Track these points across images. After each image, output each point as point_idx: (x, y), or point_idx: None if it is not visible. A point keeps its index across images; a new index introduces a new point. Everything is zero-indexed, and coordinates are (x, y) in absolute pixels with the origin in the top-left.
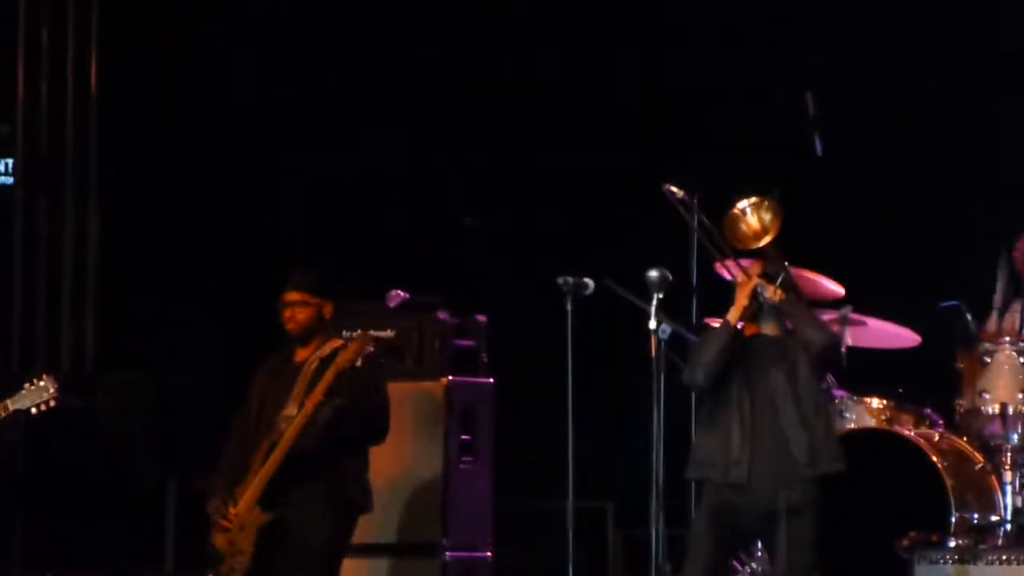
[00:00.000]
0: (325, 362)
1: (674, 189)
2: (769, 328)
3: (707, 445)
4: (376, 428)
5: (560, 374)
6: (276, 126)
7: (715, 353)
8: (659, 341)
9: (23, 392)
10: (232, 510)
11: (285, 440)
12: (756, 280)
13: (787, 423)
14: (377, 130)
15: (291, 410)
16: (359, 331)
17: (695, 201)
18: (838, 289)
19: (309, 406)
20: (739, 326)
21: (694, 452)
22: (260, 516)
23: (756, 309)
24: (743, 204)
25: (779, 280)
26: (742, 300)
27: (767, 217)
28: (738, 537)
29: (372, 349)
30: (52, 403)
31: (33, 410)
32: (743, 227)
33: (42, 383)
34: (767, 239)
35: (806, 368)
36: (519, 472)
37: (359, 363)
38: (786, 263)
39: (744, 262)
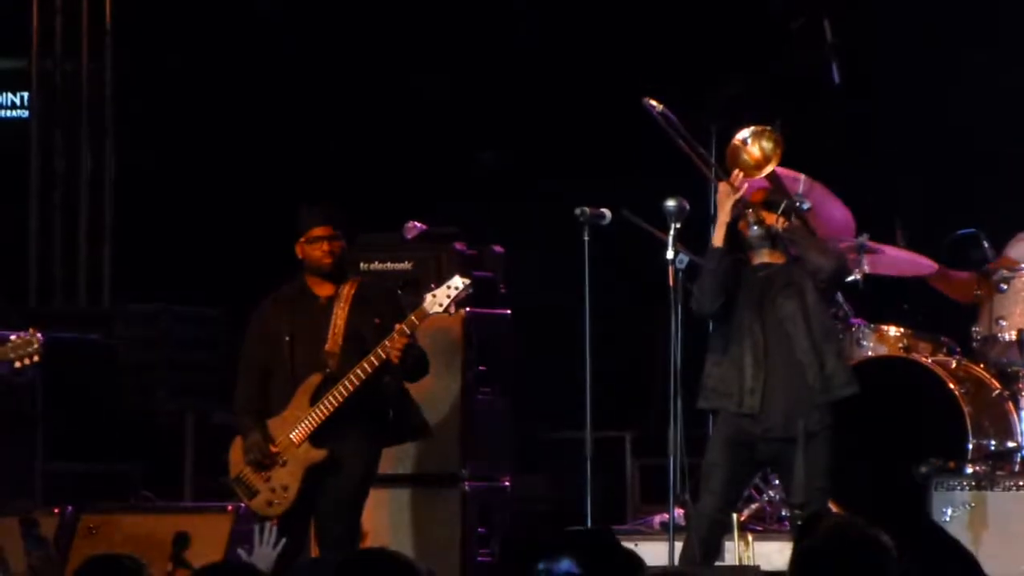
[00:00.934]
0: (358, 298)
1: (653, 102)
2: (775, 256)
3: (719, 374)
4: (423, 369)
5: (578, 305)
6: (290, 60)
7: (711, 277)
8: (676, 271)
9: (9, 344)
10: (273, 447)
11: (354, 377)
12: (735, 195)
13: (799, 349)
14: (392, 61)
15: (331, 346)
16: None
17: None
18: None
19: (395, 345)
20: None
21: (705, 381)
22: (312, 453)
23: (763, 237)
24: (743, 134)
25: (781, 207)
26: (723, 217)
27: (768, 146)
28: (753, 465)
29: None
30: (36, 357)
31: (16, 363)
32: (744, 157)
33: (27, 336)
34: (768, 168)
35: (814, 294)
36: (538, 402)
37: (446, 310)
38: (798, 192)
39: (749, 185)
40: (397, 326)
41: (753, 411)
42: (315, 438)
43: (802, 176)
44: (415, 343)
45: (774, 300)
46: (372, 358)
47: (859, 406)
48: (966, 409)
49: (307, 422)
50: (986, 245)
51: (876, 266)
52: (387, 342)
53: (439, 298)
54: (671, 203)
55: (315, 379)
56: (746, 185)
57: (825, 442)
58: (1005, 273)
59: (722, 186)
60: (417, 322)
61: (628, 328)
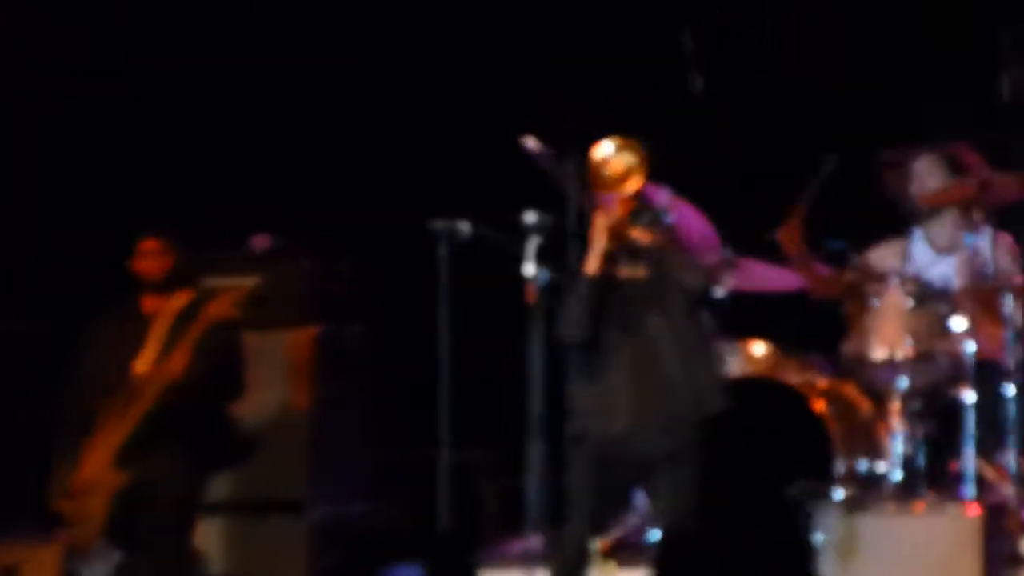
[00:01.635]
0: (183, 314)
1: (531, 143)
2: (639, 271)
3: (586, 396)
4: (234, 386)
5: (434, 321)
6: (119, 71)
7: (581, 305)
8: (536, 288)
9: None
10: (79, 475)
11: (148, 396)
12: (610, 219)
13: (669, 366)
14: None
15: (143, 364)
16: (223, 281)
17: (557, 152)
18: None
19: (177, 361)
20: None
21: (572, 404)
22: (116, 477)
23: (626, 251)
24: (605, 149)
25: (645, 220)
26: (597, 244)
27: (632, 160)
28: (622, 488)
29: (238, 301)
30: None
31: None
32: (608, 172)
33: None
34: (633, 183)
35: (682, 308)
36: (393, 422)
37: (228, 315)
38: (663, 203)
39: (613, 203)
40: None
41: (623, 432)
42: (123, 462)
43: (665, 190)
44: (202, 355)
45: (641, 316)
46: (165, 375)
47: (727, 427)
48: (835, 430)
49: (106, 446)
50: (854, 257)
51: (741, 282)
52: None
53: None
54: (530, 217)
55: (119, 400)
56: (614, 211)
57: (695, 462)
58: (876, 287)
59: (597, 213)
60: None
61: (488, 345)
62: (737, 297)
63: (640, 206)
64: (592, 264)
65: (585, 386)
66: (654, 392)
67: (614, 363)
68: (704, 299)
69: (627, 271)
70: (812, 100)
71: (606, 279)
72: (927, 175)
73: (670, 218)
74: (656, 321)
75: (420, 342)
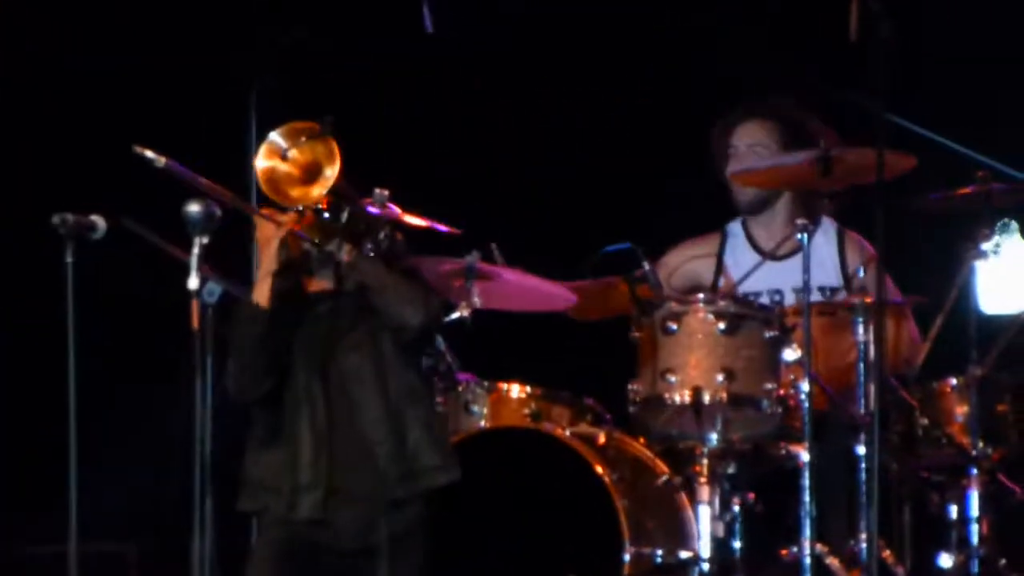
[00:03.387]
0: None
1: (149, 154)
2: (334, 282)
3: (265, 462)
4: None
5: (59, 358)
6: None
7: (255, 348)
8: (205, 306)
9: None
10: None
11: None
12: (284, 230)
13: (372, 422)
14: None
15: None
16: None
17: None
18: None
19: None
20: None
21: (247, 472)
22: None
23: (318, 260)
24: (274, 140)
25: (343, 220)
26: (267, 266)
27: (319, 152)
28: None
29: None
30: None
31: None
32: (286, 172)
33: None
34: (323, 183)
35: (392, 346)
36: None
37: None
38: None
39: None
40: None
41: (314, 513)
42: None
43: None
44: None
45: (338, 349)
46: None
47: (470, 498)
48: (620, 503)
49: None
50: (647, 266)
51: (492, 298)
52: None
53: None
54: (194, 208)
55: None
56: (289, 217)
57: (416, 550)
58: (674, 308)
59: (261, 224)
60: None
61: (135, 394)
62: (487, 319)
63: (338, 205)
64: (262, 293)
65: (264, 448)
66: (353, 458)
67: (304, 417)
68: (425, 337)
69: (325, 283)
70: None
71: (290, 301)
72: (751, 146)
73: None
74: (354, 358)
75: (44, 388)
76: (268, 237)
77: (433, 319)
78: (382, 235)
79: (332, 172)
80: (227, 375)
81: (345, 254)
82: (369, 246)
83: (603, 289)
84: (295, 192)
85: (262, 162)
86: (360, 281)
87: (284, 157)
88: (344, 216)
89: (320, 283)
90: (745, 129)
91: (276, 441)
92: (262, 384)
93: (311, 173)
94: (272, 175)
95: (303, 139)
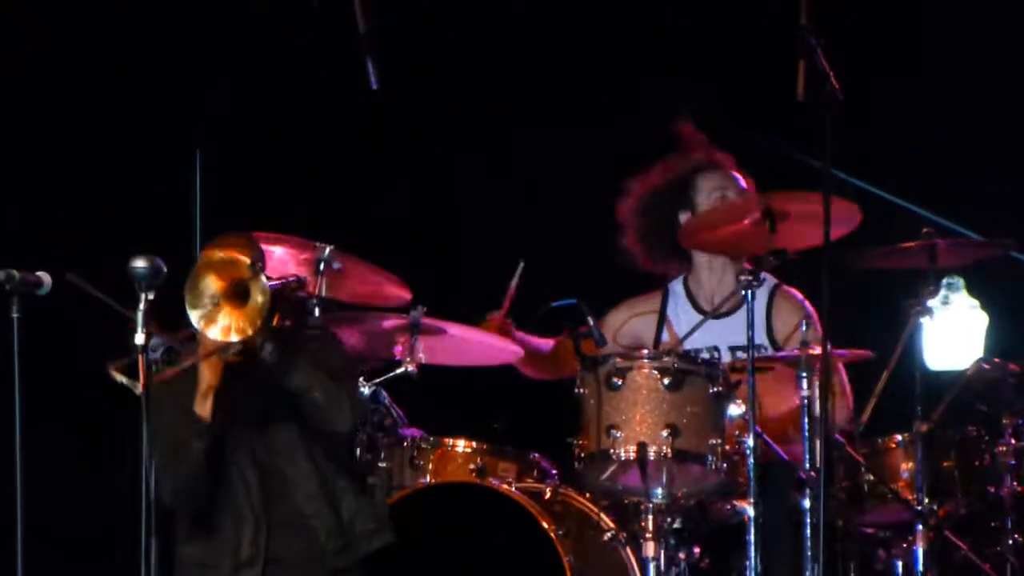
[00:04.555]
0: None
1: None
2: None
3: (202, 542)
4: None
5: (5, 414)
6: None
7: (197, 468)
8: (149, 364)
9: None
10: None
11: None
12: (219, 351)
13: (306, 496)
14: None
15: None
16: None
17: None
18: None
19: None
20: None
21: (181, 552)
22: None
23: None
24: (204, 281)
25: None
26: (210, 381)
27: (251, 283)
28: None
29: None
30: None
31: None
32: (214, 311)
33: None
34: (253, 324)
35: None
36: None
37: None
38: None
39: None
40: None
41: None
42: None
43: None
44: None
45: (267, 418)
46: None
47: (416, 555)
48: (566, 559)
49: None
50: (591, 321)
51: (436, 353)
52: None
53: None
54: (140, 264)
55: None
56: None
57: None
58: (619, 363)
59: (204, 340)
60: None
61: (78, 450)
62: (432, 374)
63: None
64: (204, 408)
65: (197, 531)
66: (290, 535)
67: (239, 494)
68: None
69: (242, 357)
70: None
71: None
72: (723, 192)
73: (336, 264)
74: (283, 431)
75: None
76: (211, 352)
77: (358, 420)
78: (291, 292)
79: (263, 301)
80: (164, 487)
81: (271, 356)
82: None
83: (557, 352)
84: (224, 318)
85: (192, 304)
86: (286, 385)
87: (215, 303)
88: (271, 319)
89: (242, 356)
90: (710, 177)
91: (212, 522)
92: (205, 495)
93: (240, 295)
94: (204, 315)
95: (232, 280)
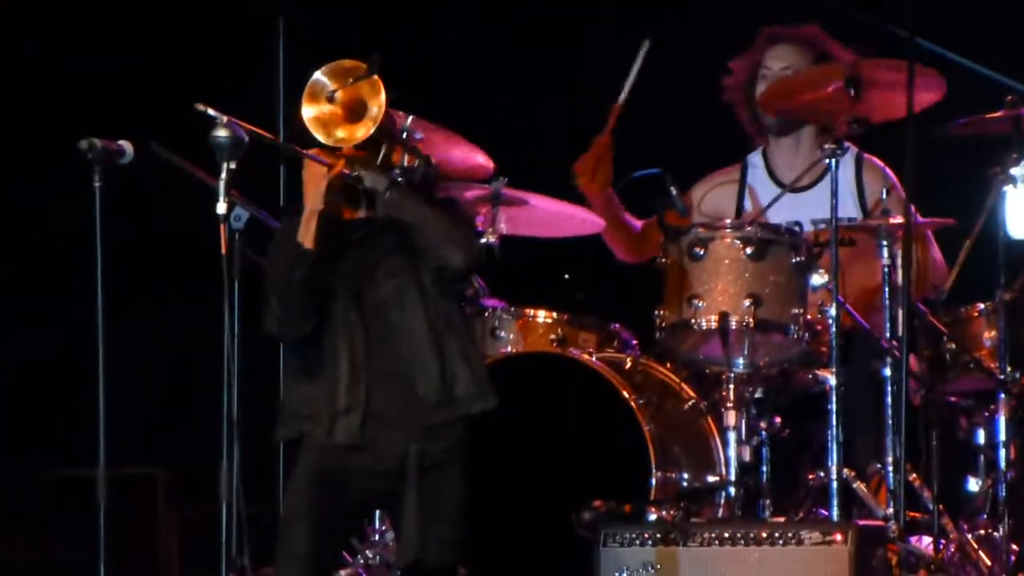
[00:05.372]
0: None
1: (210, 111)
2: (369, 210)
3: (303, 391)
4: None
5: (87, 284)
6: None
7: (300, 289)
8: (232, 232)
9: None
10: None
11: None
12: (331, 175)
13: (410, 348)
14: None
15: None
16: None
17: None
18: (484, 160)
19: None
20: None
21: (285, 402)
22: None
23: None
24: (320, 81)
25: (383, 154)
26: (313, 205)
27: (364, 90)
28: (353, 513)
29: None
30: None
31: None
32: (329, 113)
33: None
34: (368, 126)
35: (431, 274)
36: (31, 432)
37: None
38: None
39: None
40: None
41: (351, 438)
42: None
43: (406, 116)
44: None
45: (377, 275)
46: None
47: (498, 424)
48: (647, 428)
49: None
50: (673, 191)
51: (518, 224)
52: None
53: None
54: (221, 134)
55: None
56: (341, 163)
57: (451, 478)
58: (701, 233)
59: (309, 164)
60: None
61: (163, 319)
62: (513, 245)
63: (372, 139)
64: (307, 234)
65: (301, 377)
66: (391, 384)
67: (341, 344)
68: (468, 277)
69: (352, 213)
70: None
71: (330, 233)
72: (784, 69)
73: (418, 134)
74: (391, 284)
75: (61, 313)
76: (316, 177)
77: (475, 260)
78: (418, 165)
79: (377, 111)
80: (267, 314)
81: (385, 188)
82: (404, 178)
83: (645, 233)
84: (341, 131)
85: (309, 104)
86: (401, 218)
87: (331, 99)
88: (383, 150)
89: (355, 211)
90: (775, 52)
91: (314, 371)
92: (307, 323)
93: (356, 111)
94: (318, 117)
95: (350, 80)
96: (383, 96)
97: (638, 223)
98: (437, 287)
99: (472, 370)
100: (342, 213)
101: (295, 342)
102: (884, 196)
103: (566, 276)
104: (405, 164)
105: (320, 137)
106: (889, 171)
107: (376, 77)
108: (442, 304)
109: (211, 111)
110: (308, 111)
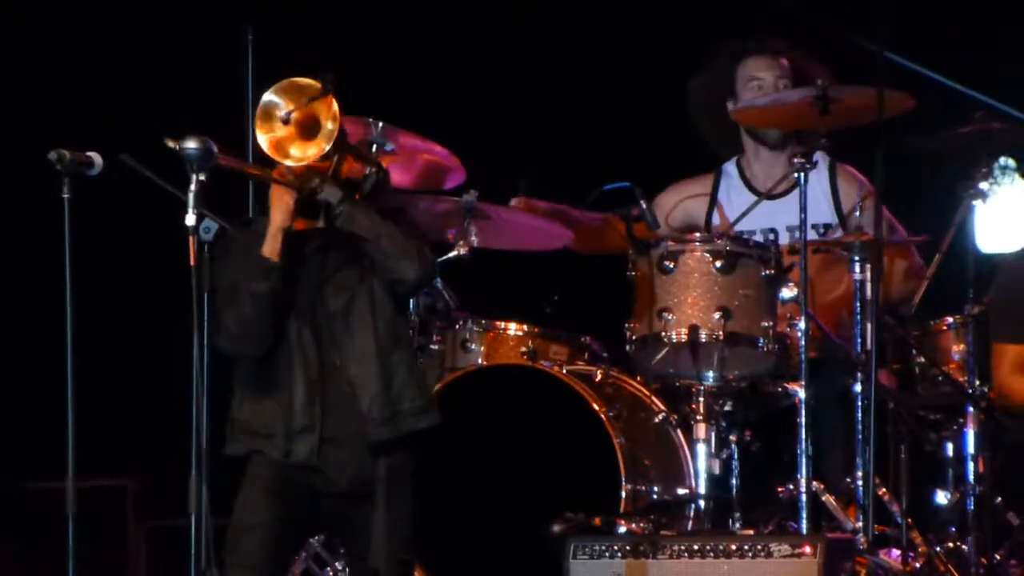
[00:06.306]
0: None
1: (172, 144)
2: (323, 221)
3: (254, 407)
4: None
5: (57, 294)
6: None
7: (259, 304)
8: (201, 244)
9: None
10: None
11: None
12: (292, 194)
13: (358, 364)
14: None
15: None
16: None
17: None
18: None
19: None
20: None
21: (235, 416)
22: None
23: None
24: (276, 102)
25: (335, 166)
26: (279, 221)
27: (319, 108)
28: (300, 529)
29: None
30: None
31: None
32: (284, 134)
33: None
34: (323, 144)
35: (386, 285)
36: (4, 443)
37: None
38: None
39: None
40: None
41: (309, 459)
42: None
43: (376, 123)
44: None
45: (324, 289)
46: None
47: (466, 436)
48: (617, 441)
49: None
50: (644, 205)
51: (489, 236)
52: None
53: None
54: (192, 145)
55: None
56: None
57: (403, 493)
58: (671, 246)
59: (275, 188)
60: None
61: (133, 330)
62: (484, 258)
63: (327, 153)
64: (273, 249)
65: (251, 392)
66: (342, 406)
67: (296, 361)
68: (420, 290)
69: (303, 224)
70: None
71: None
72: (754, 80)
73: (389, 145)
74: (342, 297)
75: (31, 328)
76: (280, 197)
77: (428, 274)
78: (369, 172)
79: (332, 127)
80: (222, 330)
81: (339, 201)
82: (358, 189)
83: (600, 226)
84: (295, 150)
85: (262, 127)
86: (353, 231)
87: (286, 122)
88: (334, 160)
89: (310, 222)
90: (754, 64)
91: (266, 386)
92: (266, 339)
93: (309, 129)
94: (272, 139)
95: (304, 101)
96: (337, 113)
97: (595, 216)
98: (388, 301)
99: (418, 386)
100: (293, 224)
101: (247, 358)
102: (859, 203)
103: (546, 308)
104: (357, 174)
105: (274, 158)
106: (863, 178)
107: (331, 95)
108: (392, 319)
109: (172, 144)
110: (262, 135)
